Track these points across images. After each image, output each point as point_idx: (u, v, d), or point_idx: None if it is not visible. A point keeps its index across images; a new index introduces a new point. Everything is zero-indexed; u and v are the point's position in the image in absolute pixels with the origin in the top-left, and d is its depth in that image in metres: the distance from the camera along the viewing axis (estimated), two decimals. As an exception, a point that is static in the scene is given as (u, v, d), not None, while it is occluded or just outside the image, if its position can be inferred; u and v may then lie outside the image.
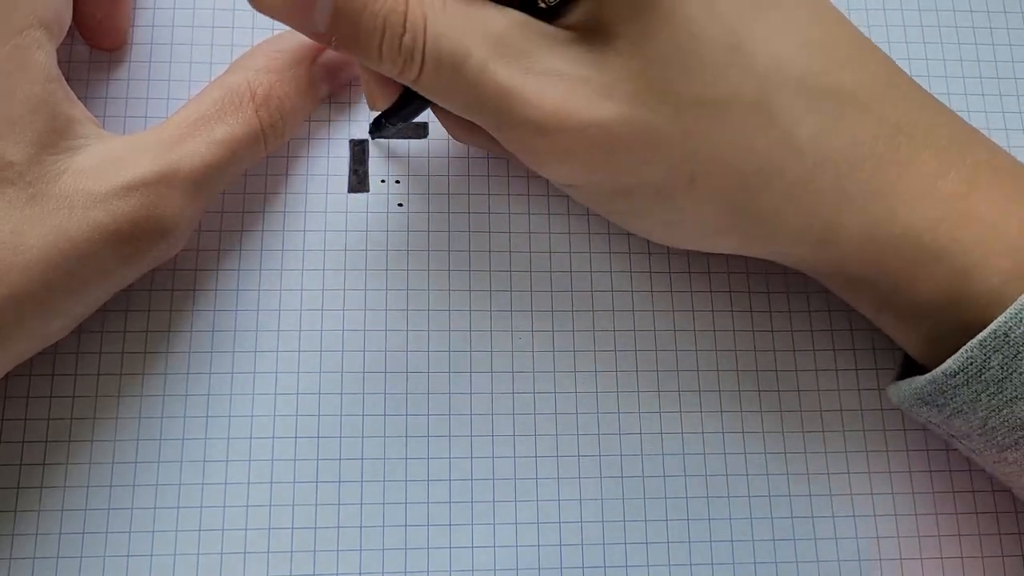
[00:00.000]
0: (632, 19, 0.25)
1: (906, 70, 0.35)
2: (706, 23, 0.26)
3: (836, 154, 0.27)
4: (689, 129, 0.26)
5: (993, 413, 0.27)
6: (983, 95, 0.36)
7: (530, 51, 0.26)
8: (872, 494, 0.32)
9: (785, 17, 0.27)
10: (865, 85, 0.27)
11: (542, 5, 0.26)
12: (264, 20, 0.35)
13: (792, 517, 0.32)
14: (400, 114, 0.30)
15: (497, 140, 0.28)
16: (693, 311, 0.33)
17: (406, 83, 0.27)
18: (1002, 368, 0.26)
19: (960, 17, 0.37)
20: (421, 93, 0.27)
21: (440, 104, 0.28)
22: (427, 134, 0.34)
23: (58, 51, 0.29)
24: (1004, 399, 0.26)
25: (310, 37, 0.26)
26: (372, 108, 0.31)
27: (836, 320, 0.33)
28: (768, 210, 0.27)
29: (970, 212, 0.27)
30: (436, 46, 0.25)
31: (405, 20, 0.25)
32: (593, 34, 0.26)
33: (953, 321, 0.27)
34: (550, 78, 0.26)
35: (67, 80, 0.29)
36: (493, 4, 0.26)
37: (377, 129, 0.33)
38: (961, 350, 0.26)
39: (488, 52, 0.25)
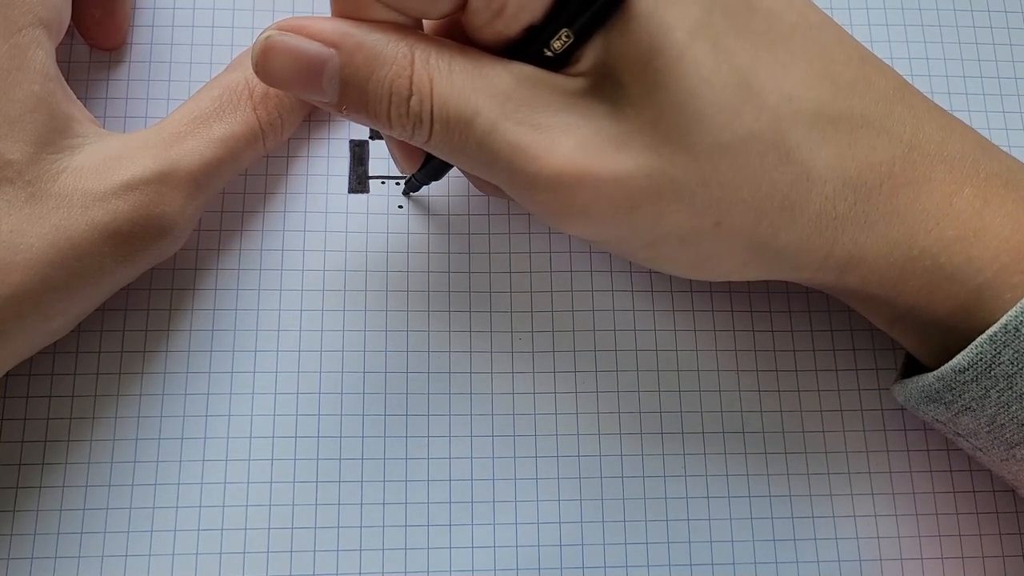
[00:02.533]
0: (640, 69, 0.25)
1: (907, 70, 0.36)
2: (714, 66, 0.25)
3: (854, 179, 0.26)
4: (709, 175, 0.26)
5: (1002, 410, 0.26)
6: (983, 95, 0.36)
7: (539, 105, 0.25)
8: (873, 494, 0.32)
9: (791, 49, 0.26)
10: (874, 105, 0.27)
11: (548, 54, 0.25)
12: (264, 20, 0.35)
13: (792, 517, 0.32)
14: (427, 172, 0.31)
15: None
16: (693, 310, 0.33)
17: (419, 145, 0.27)
18: (1012, 363, 0.26)
19: (960, 16, 0.37)
20: (435, 155, 0.27)
21: (456, 164, 0.28)
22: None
23: (58, 51, 0.29)
24: (1014, 395, 0.26)
25: (320, 106, 0.26)
26: (401, 172, 0.31)
27: (836, 320, 0.33)
28: (793, 243, 0.27)
29: (984, 228, 0.27)
30: (443, 108, 0.25)
31: (411, 84, 0.25)
32: (603, 82, 0.26)
33: (968, 333, 0.27)
34: (561, 132, 0.25)
35: (67, 80, 0.29)
36: (499, 59, 0.26)
37: (410, 187, 0.33)
38: (971, 345, 0.26)
39: (497, 110, 0.25)
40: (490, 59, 0.26)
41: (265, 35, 0.25)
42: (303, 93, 0.26)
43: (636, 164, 0.25)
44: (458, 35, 0.27)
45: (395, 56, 0.25)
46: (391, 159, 0.32)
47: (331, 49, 0.25)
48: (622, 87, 0.25)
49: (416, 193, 0.34)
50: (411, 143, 0.27)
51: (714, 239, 0.27)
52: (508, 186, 0.27)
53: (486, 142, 0.25)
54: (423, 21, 0.27)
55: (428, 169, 0.30)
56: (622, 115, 0.25)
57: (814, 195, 0.26)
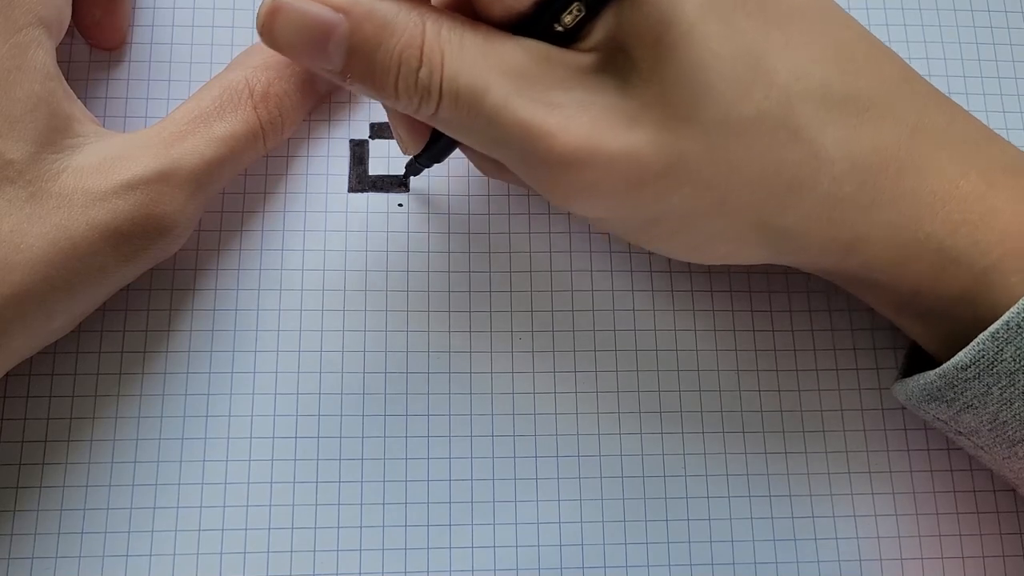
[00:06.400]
0: (651, 42, 0.25)
1: (907, 70, 0.36)
2: (725, 41, 0.25)
3: (861, 160, 0.26)
4: (717, 152, 0.25)
5: (1004, 407, 0.26)
6: (984, 95, 0.36)
7: (551, 82, 0.25)
8: (873, 494, 0.32)
9: (799, 29, 0.26)
10: (881, 88, 0.27)
11: (559, 29, 0.25)
12: (264, 20, 0.35)
13: (792, 517, 0.32)
14: (431, 154, 0.30)
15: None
16: (694, 310, 0.33)
17: (424, 119, 0.26)
18: (1015, 360, 0.26)
19: (961, 16, 0.37)
20: (440, 129, 0.27)
21: (462, 140, 0.27)
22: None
23: (58, 51, 0.29)
24: (1016, 392, 0.26)
25: (324, 75, 0.26)
26: (404, 152, 0.31)
27: (836, 320, 0.33)
28: (799, 224, 0.27)
29: (990, 213, 0.27)
30: (454, 81, 0.24)
31: (421, 55, 0.24)
32: (613, 57, 0.25)
33: (972, 319, 0.27)
34: (573, 109, 0.25)
35: (67, 80, 0.29)
36: (510, 36, 0.25)
37: (411, 171, 0.33)
38: (973, 342, 0.26)
39: (508, 86, 0.25)
40: (501, 35, 0.25)
41: None
42: (308, 59, 0.25)
43: (646, 139, 0.25)
44: (465, 10, 0.26)
45: (406, 26, 0.24)
46: (395, 139, 0.31)
47: (340, 15, 0.24)
48: (632, 61, 0.25)
49: (416, 176, 0.33)
50: (416, 117, 0.26)
51: (718, 217, 0.27)
52: (518, 164, 0.26)
53: (497, 119, 0.25)
54: None
55: (431, 152, 0.30)
56: (633, 90, 0.25)
57: (822, 175, 0.26)
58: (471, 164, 0.32)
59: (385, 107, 0.30)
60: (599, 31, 0.25)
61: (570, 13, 0.25)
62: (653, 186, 0.26)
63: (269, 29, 0.25)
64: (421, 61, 0.24)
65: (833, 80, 0.26)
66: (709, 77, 0.25)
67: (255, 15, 0.34)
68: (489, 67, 0.25)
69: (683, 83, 0.25)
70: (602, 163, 0.25)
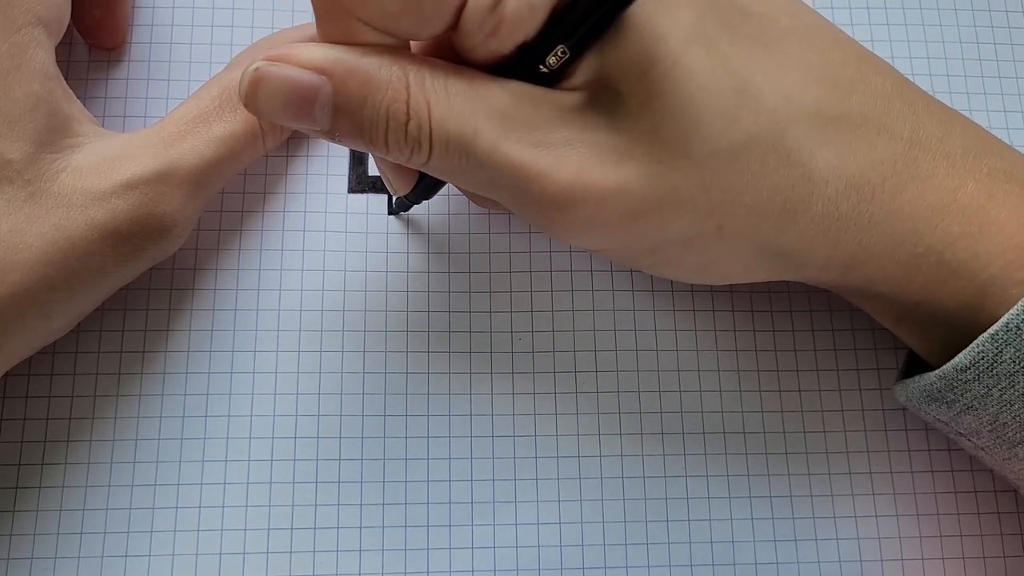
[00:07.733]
0: (637, 79, 0.25)
1: (907, 69, 0.36)
2: (710, 71, 0.25)
3: (857, 178, 0.26)
4: (710, 181, 0.25)
5: (1004, 408, 0.26)
6: (984, 94, 0.36)
7: (538, 123, 0.25)
8: (874, 494, 0.32)
9: (785, 52, 0.26)
10: (874, 103, 0.27)
11: (543, 70, 0.25)
12: (264, 19, 0.35)
13: (793, 518, 0.32)
14: (419, 192, 0.30)
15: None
16: (694, 310, 0.33)
17: (416, 168, 0.26)
18: (1014, 362, 0.26)
19: (961, 16, 0.37)
20: (433, 175, 0.27)
21: (455, 184, 0.28)
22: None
23: (58, 51, 0.29)
24: (1016, 393, 0.26)
25: (312, 135, 0.26)
26: (393, 193, 0.31)
27: (837, 320, 0.33)
28: (797, 244, 0.27)
29: (989, 224, 0.27)
30: (443, 130, 0.24)
31: (408, 108, 0.24)
32: (599, 94, 0.25)
33: (973, 329, 0.27)
34: (562, 149, 0.25)
35: (67, 80, 0.29)
36: (494, 78, 0.25)
37: (399, 207, 0.33)
38: (972, 344, 0.26)
39: (496, 130, 0.25)
40: (484, 78, 0.25)
41: (253, 67, 0.24)
42: (294, 123, 0.25)
43: (638, 174, 0.25)
44: (445, 54, 0.26)
45: (389, 80, 0.24)
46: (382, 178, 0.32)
47: (322, 77, 0.24)
48: (619, 98, 0.25)
49: (403, 211, 0.33)
50: (408, 166, 0.26)
51: (717, 243, 0.27)
52: (512, 204, 0.26)
53: (487, 163, 0.25)
54: (411, 43, 0.26)
55: (420, 189, 0.30)
56: (621, 126, 0.25)
57: (816, 196, 0.26)
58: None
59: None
60: (584, 70, 0.25)
61: (554, 55, 0.25)
62: (647, 219, 0.26)
63: (253, 99, 0.24)
64: (408, 115, 0.24)
65: (825, 100, 0.26)
66: (696, 111, 0.25)
67: (254, 15, 0.35)
68: (476, 112, 0.25)
69: (671, 118, 0.25)
70: (594, 200, 0.25)
